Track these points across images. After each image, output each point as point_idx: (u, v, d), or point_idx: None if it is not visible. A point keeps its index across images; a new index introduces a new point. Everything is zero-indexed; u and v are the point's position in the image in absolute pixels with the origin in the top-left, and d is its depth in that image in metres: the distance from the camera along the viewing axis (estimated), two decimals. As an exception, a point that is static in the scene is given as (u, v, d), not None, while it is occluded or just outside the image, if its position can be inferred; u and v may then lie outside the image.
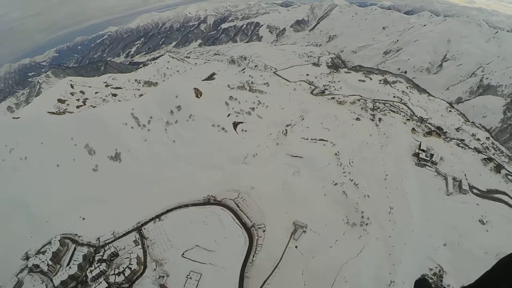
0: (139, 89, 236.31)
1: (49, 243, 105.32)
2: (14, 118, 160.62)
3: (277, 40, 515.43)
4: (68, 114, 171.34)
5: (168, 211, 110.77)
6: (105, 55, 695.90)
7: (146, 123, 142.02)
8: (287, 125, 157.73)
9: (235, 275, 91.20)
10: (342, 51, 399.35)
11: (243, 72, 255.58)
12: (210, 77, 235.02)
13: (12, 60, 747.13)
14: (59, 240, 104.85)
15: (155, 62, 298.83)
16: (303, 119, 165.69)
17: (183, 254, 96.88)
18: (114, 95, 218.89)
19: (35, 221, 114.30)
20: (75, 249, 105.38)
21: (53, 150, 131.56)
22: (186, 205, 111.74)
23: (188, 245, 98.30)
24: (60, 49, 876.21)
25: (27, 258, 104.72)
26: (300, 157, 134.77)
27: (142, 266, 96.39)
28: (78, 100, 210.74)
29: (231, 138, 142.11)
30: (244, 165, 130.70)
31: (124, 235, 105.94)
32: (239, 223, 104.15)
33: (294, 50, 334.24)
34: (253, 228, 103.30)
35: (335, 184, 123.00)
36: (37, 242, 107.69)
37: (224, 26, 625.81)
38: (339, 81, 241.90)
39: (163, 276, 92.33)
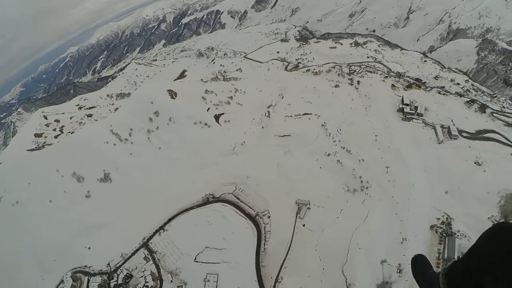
0: (113, 104, 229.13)
1: (62, 281, 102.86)
2: None
3: (240, 24, 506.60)
4: (48, 147, 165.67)
5: (170, 219, 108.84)
6: (71, 77, 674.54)
7: (127, 137, 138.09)
8: (269, 106, 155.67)
9: (251, 267, 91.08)
10: (308, 22, 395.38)
11: (213, 63, 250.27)
12: (182, 75, 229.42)
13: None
14: (70, 277, 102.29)
15: (122, 73, 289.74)
16: (283, 97, 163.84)
17: (195, 259, 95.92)
18: (90, 115, 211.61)
19: (43, 263, 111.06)
20: (88, 281, 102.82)
21: (42, 187, 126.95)
22: (187, 210, 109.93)
23: (198, 248, 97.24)
24: (25, 83, 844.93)
25: None
26: (288, 135, 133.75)
27: (158, 281, 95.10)
28: (54, 130, 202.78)
29: (216, 131, 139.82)
30: (235, 156, 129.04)
31: (133, 254, 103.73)
32: (243, 215, 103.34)
33: (260, 31, 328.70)
34: (257, 217, 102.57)
35: (328, 155, 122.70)
36: (51, 283, 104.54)
37: (184, 21, 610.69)
38: (310, 53, 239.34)
39: (181, 286, 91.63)
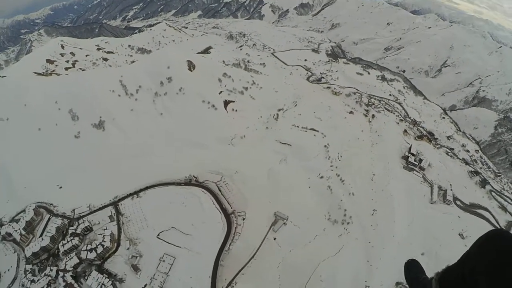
0: (131, 55, 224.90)
1: (24, 211, 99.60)
2: (0, 76, 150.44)
3: (278, 21, 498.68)
4: (55, 76, 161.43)
5: (147, 187, 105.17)
6: (101, 17, 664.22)
7: (134, 92, 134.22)
8: (279, 110, 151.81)
9: (210, 262, 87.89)
10: (343, 40, 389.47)
11: (241, 49, 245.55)
12: (206, 51, 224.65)
13: (6, 16, 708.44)
14: (33, 209, 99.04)
15: (151, 29, 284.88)
16: (296, 105, 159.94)
17: (158, 235, 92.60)
18: (105, 59, 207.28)
19: (12, 187, 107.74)
20: (49, 219, 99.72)
21: (36, 113, 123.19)
22: (166, 184, 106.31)
23: (165, 226, 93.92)
24: (55, 8, 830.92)
25: (0, 225, 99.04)
26: (288, 145, 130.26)
27: (115, 244, 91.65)
28: (67, 61, 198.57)
29: (220, 116, 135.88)
30: (231, 147, 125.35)
31: (100, 209, 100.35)
32: (219, 208, 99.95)
33: (295, 34, 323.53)
34: (233, 215, 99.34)
35: (321, 177, 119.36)
36: (12, 209, 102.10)
37: (226, 0, 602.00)
38: (336, 71, 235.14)
39: (136, 257, 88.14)
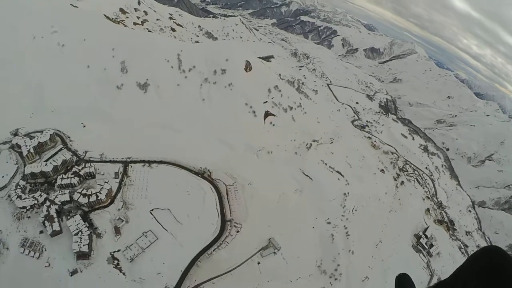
0: (197, 36, 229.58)
1: (41, 132, 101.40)
2: (73, 5, 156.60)
3: (345, 55, 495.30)
4: (121, 26, 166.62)
5: (161, 162, 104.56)
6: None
7: (186, 70, 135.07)
8: (314, 141, 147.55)
9: (188, 257, 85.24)
10: (400, 97, 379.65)
11: (300, 69, 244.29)
12: (267, 58, 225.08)
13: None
14: (51, 134, 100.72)
15: (224, 19, 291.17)
16: (332, 142, 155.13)
17: (152, 210, 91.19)
18: (173, 30, 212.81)
19: (41, 106, 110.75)
20: (60, 149, 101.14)
21: (91, 51, 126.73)
22: (180, 166, 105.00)
23: (161, 204, 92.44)
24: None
25: (15, 134, 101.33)
26: (310, 178, 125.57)
27: (109, 200, 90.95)
28: (138, 18, 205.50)
29: (257, 124, 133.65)
30: (255, 157, 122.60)
31: (110, 162, 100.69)
32: (219, 211, 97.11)
33: (356, 74, 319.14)
34: (229, 223, 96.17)
35: (329, 222, 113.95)
36: (32, 125, 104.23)
37: (303, 18, 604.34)
38: (382, 125, 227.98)
39: (122, 220, 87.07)
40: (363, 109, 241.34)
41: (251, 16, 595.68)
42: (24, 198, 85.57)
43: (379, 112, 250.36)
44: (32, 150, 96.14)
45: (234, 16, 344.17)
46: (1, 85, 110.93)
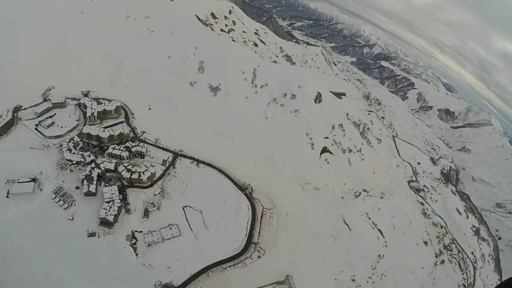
0: (277, 56, 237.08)
1: (110, 101, 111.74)
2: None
3: (417, 111, 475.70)
4: (209, 29, 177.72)
5: (209, 164, 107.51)
6: (273, 11, 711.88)
7: (258, 85, 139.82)
8: (364, 191, 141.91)
9: (202, 263, 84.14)
10: (464, 169, 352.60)
11: (368, 114, 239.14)
12: (339, 95, 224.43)
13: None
14: (117, 105, 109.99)
15: (306, 46, 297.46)
16: (381, 198, 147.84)
17: (185, 206, 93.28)
18: (255, 45, 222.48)
19: (117, 78, 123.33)
20: (121, 122, 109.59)
21: (175, 44, 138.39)
22: (226, 175, 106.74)
23: (196, 204, 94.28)
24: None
25: (85, 95, 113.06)
26: (349, 228, 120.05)
27: (149, 183, 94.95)
28: (226, 25, 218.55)
29: (311, 157, 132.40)
30: (300, 189, 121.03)
31: (163, 149, 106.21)
32: (248, 231, 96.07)
33: (425, 133, 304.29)
34: (253, 246, 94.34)
35: (353, 280, 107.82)
36: (103, 93, 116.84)
37: (383, 63, 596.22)
38: (439, 194, 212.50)
39: (154, 206, 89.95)
40: (423, 172, 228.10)
41: (332, 49, 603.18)
42: (73, 153, 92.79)
43: (439, 179, 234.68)
44: (95, 114, 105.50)
45: (316, 46, 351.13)
46: (90, 49, 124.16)
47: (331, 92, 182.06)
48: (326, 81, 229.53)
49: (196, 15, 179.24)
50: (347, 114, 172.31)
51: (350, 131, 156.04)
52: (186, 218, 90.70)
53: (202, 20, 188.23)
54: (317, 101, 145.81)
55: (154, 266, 79.16)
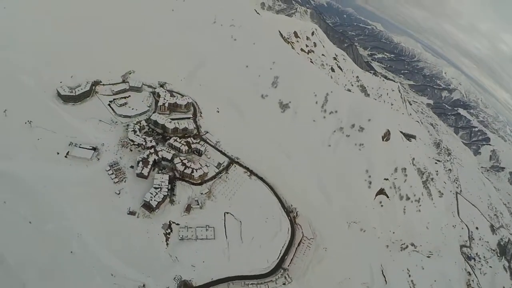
0: (352, 85, 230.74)
1: (182, 96, 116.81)
2: (256, 11, 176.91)
3: (488, 170, 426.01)
4: (290, 47, 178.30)
5: (261, 178, 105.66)
6: (355, 39, 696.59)
7: (328, 111, 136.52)
8: (412, 245, 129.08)
9: (226, 272, 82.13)
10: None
11: (436, 163, 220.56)
12: (408, 136, 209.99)
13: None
14: (188, 102, 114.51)
15: (383, 80, 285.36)
16: (428, 257, 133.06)
17: (227, 213, 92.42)
18: (332, 70, 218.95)
19: (194, 76, 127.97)
20: (188, 118, 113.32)
21: (255, 55, 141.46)
22: (275, 192, 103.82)
23: (238, 214, 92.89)
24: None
25: (161, 86, 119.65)
26: (385, 280, 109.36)
27: (199, 181, 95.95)
28: (306, 46, 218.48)
29: (365, 196, 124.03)
30: (345, 225, 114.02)
31: (221, 152, 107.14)
32: (281, 255, 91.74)
33: (491, 196, 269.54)
34: (282, 271, 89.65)
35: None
36: (178, 87, 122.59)
37: (461, 111, 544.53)
38: (490, 267, 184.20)
39: (198, 204, 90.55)
40: (480, 239, 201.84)
41: (410, 87, 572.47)
42: (137, 135, 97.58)
43: (494, 250, 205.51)
44: (166, 105, 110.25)
45: (394, 81, 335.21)
46: (174, 45, 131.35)
47: (401, 132, 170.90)
48: (398, 120, 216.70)
49: (279, 31, 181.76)
50: (413, 159, 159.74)
51: (412, 178, 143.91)
52: (225, 224, 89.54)
53: (285, 37, 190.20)
54: (384, 139, 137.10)
55: (180, 260, 79.14)
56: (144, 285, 72.04)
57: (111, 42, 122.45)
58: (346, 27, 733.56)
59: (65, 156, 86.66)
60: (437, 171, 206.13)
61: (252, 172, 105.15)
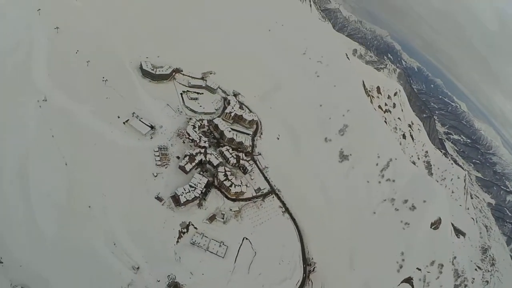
0: (418, 159, 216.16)
1: (250, 112, 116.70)
2: (347, 55, 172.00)
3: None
4: (368, 100, 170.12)
5: (294, 220, 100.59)
6: (436, 111, 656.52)
7: (385, 177, 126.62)
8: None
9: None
10: None
11: (475, 269, 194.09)
12: (459, 232, 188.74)
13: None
14: (253, 119, 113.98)
15: (452, 164, 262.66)
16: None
17: (246, 238, 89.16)
18: (404, 137, 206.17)
19: (266, 96, 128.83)
20: (248, 134, 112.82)
21: (330, 95, 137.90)
22: (301, 239, 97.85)
23: (256, 244, 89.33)
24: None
25: (235, 95, 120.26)
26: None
27: (234, 197, 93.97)
28: (385, 104, 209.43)
29: (390, 279, 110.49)
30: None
31: (265, 178, 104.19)
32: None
33: None
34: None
35: None
36: (249, 101, 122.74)
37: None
38: None
39: (223, 218, 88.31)
40: None
41: (476, 180, 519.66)
42: (195, 131, 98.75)
43: None
44: (232, 114, 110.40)
45: (462, 168, 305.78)
46: (261, 61, 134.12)
47: (452, 224, 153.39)
48: (454, 211, 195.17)
49: (363, 81, 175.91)
50: (455, 257, 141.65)
51: (446, 278, 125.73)
52: (239, 249, 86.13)
53: (367, 89, 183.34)
54: (433, 226, 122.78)
55: (181, 262, 77.64)
56: (138, 268, 71.40)
57: (204, 40, 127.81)
58: (430, 97, 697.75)
59: (123, 123, 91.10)
60: (473, 278, 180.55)
61: (287, 210, 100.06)
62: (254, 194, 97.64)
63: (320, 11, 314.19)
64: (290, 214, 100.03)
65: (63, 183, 75.36)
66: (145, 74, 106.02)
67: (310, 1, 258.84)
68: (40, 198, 71.45)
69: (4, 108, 79.30)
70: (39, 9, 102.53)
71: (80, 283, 66.09)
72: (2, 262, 63.46)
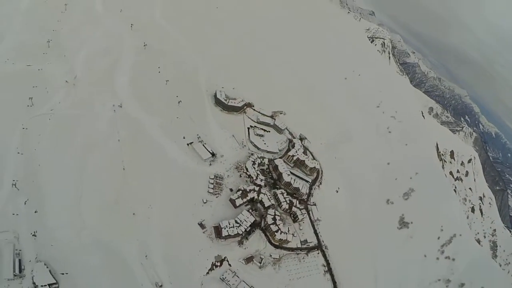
0: (484, 237, 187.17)
1: (313, 160, 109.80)
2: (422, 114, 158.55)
3: None
4: (440, 165, 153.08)
5: (334, 282, 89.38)
6: (511, 185, 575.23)
7: (445, 252, 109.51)
8: None
9: None
10: None
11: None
12: None
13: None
14: (315, 167, 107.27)
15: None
16: None
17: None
18: (472, 210, 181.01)
19: (332, 148, 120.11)
20: (306, 181, 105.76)
21: (400, 157, 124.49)
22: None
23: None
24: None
25: (301, 139, 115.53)
26: None
27: (277, 244, 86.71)
28: (458, 171, 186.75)
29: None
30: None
31: (314, 231, 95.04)
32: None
33: None
34: None
35: None
36: (315, 150, 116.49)
37: None
38: None
39: (260, 263, 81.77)
40: None
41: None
42: (254, 167, 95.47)
43: None
44: (294, 158, 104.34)
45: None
46: (336, 112, 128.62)
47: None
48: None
49: (437, 143, 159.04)
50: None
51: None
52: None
53: (439, 151, 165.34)
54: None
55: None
56: (161, 286, 68.39)
57: (280, 81, 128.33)
58: (506, 168, 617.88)
59: (187, 144, 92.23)
60: None
61: (330, 270, 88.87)
62: (299, 245, 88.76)
63: (398, 64, 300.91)
64: (332, 276, 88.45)
65: (116, 184, 77.57)
66: (218, 103, 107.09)
67: (389, 54, 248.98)
68: (91, 191, 73.69)
69: (83, 100, 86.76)
70: (132, 24, 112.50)
71: (99, 281, 64.14)
72: (36, 236, 64.39)
